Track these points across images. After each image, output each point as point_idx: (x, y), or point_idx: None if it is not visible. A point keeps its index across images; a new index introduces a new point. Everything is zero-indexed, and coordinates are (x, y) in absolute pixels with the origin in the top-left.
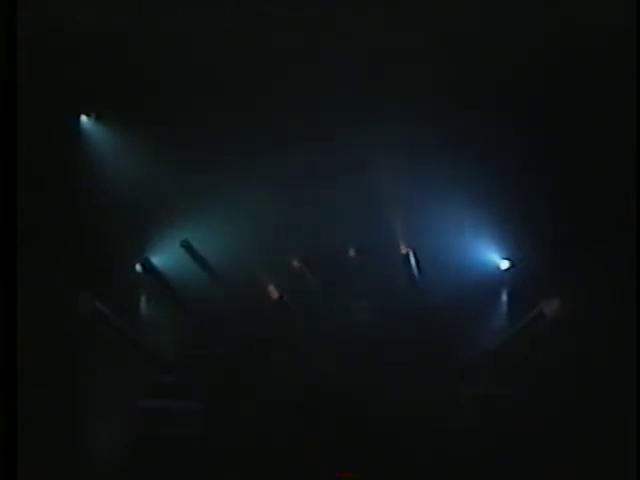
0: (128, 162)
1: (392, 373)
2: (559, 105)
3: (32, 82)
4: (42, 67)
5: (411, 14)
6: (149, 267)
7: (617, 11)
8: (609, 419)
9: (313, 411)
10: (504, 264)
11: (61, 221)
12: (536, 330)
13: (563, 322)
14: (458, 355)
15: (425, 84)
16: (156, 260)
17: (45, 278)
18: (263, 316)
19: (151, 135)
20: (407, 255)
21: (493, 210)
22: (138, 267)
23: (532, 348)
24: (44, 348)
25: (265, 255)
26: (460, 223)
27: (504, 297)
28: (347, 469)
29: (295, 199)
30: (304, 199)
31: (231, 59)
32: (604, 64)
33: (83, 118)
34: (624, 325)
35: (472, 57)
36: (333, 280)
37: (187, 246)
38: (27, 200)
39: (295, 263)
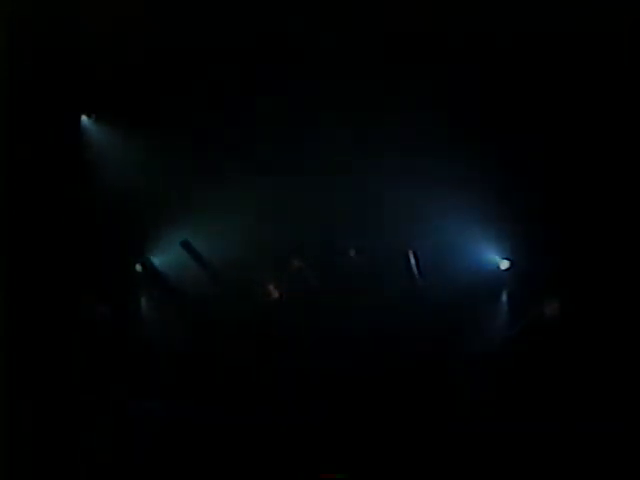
0: (128, 162)
1: (392, 373)
2: (559, 105)
3: (32, 82)
4: (42, 67)
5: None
6: (149, 267)
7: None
8: (609, 419)
9: (312, 410)
10: (504, 264)
11: (61, 221)
12: (536, 330)
13: (563, 322)
14: (458, 355)
15: (426, 84)
16: (156, 260)
17: (45, 278)
18: (263, 316)
19: (151, 135)
20: (407, 255)
21: (493, 210)
22: (138, 267)
23: (532, 348)
24: (44, 348)
25: (265, 255)
26: (460, 223)
27: (504, 297)
28: (347, 466)
29: (296, 199)
30: (304, 199)
31: (231, 58)
32: (606, 65)
33: (83, 118)
34: (624, 325)
35: (471, 56)
36: (333, 280)
37: (187, 246)
38: (27, 200)
39: (295, 263)
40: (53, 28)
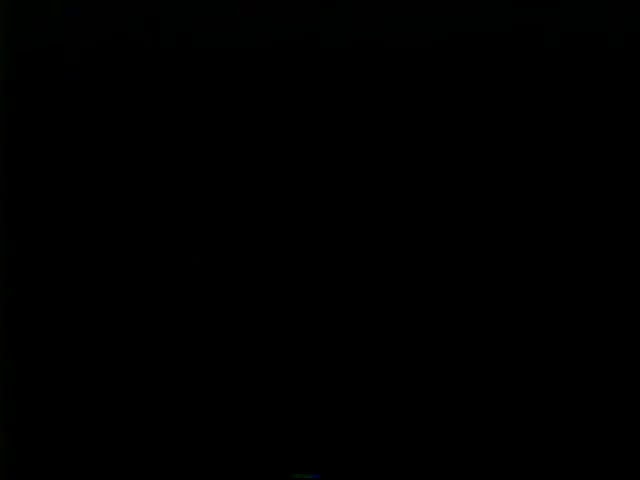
0: (128, 161)
1: (392, 373)
2: (560, 105)
3: (32, 81)
4: (42, 67)
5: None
6: (150, 266)
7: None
8: (609, 419)
9: (311, 413)
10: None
11: (61, 221)
12: (536, 329)
13: (563, 321)
14: (458, 355)
15: (426, 80)
16: (156, 259)
17: (45, 278)
18: (264, 316)
19: (150, 134)
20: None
21: (494, 209)
22: (141, 266)
23: (532, 347)
24: (44, 348)
25: (265, 255)
26: (459, 221)
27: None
28: (342, 463)
29: (296, 198)
30: (305, 198)
31: (232, 57)
32: (610, 67)
33: (83, 117)
34: (624, 325)
35: (475, 53)
36: (334, 280)
37: (188, 246)
38: (27, 200)
39: (295, 262)
40: (53, 28)
